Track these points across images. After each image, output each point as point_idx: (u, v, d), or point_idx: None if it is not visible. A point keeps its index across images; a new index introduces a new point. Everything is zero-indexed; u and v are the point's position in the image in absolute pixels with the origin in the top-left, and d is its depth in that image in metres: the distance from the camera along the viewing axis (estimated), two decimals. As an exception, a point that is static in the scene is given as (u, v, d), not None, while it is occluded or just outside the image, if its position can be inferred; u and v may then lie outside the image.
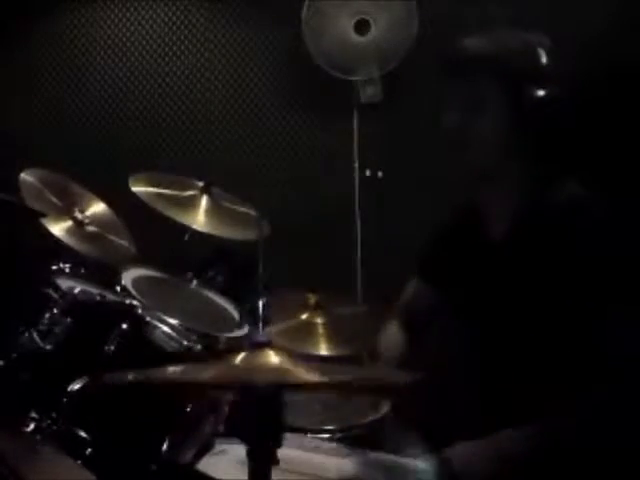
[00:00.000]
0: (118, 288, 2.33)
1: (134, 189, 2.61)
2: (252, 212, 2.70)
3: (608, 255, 1.60)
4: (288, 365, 1.25)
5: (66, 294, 2.13)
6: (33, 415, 1.89)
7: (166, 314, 2.14)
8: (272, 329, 2.33)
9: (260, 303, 1.54)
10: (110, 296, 2.25)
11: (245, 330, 2.39)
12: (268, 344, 1.29)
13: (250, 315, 2.40)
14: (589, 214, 1.64)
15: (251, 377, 1.22)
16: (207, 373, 1.28)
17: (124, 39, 3.62)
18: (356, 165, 3.42)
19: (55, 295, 2.11)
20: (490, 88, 1.66)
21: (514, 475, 1.60)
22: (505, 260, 1.71)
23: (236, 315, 2.52)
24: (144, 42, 3.62)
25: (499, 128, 1.67)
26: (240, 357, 1.28)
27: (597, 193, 1.67)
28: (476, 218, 1.80)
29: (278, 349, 1.29)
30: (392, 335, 2.04)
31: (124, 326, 2.03)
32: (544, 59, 1.66)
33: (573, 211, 1.64)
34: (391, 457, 1.70)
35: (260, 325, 1.63)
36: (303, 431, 1.93)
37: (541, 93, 1.64)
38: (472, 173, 1.74)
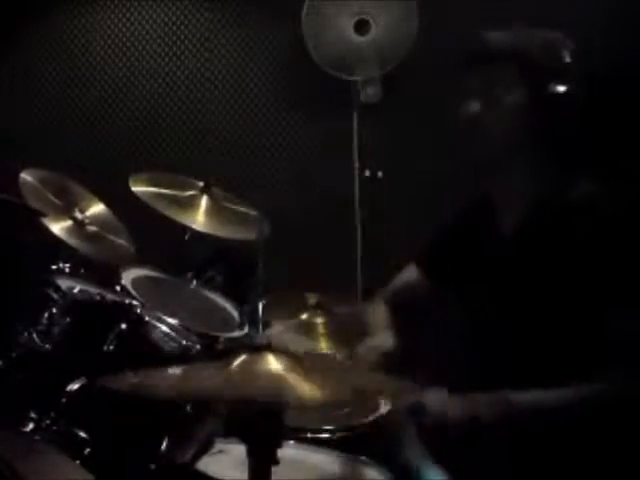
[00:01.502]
0: (118, 288, 2.33)
1: (134, 189, 2.60)
2: (252, 212, 2.70)
3: (619, 256, 1.60)
4: (287, 373, 1.24)
5: (65, 294, 2.12)
6: (32, 415, 1.89)
7: (165, 314, 2.14)
8: (271, 330, 2.32)
9: (260, 305, 1.54)
10: (109, 296, 2.24)
11: (245, 330, 2.38)
12: (267, 347, 1.29)
13: (249, 316, 2.39)
14: (602, 212, 1.64)
15: (249, 389, 1.21)
16: (203, 383, 1.26)
17: (124, 39, 3.62)
18: (356, 165, 3.41)
19: (54, 295, 2.11)
20: (510, 80, 1.68)
21: (485, 437, 1.60)
22: (514, 255, 1.72)
23: (236, 315, 2.52)
24: (144, 42, 3.62)
25: (515, 121, 1.68)
26: (238, 361, 1.28)
27: (611, 191, 1.67)
28: (487, 212, 1.80)
29: (277, 352, 1.29)
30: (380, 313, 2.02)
31: (123, 326, 2.03)
32: (564, 56, 1.68)
33: (586, 208, 1.65)
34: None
35: (260, 327, 1.63)
36: (303, 431, 1.92)
37: (560, 90, 1.65)
38: (485, 163, 1.74)
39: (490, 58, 1.72)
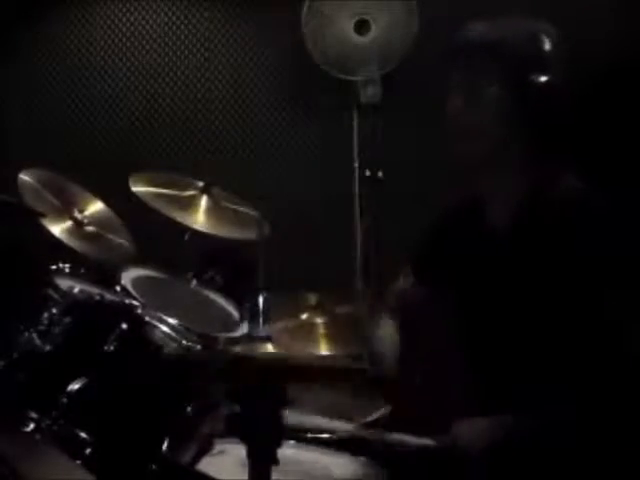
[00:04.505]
0: (117, 288, 2.33)
1: (134, 189, 2.60)
2: (252, 212, 2.70)
3: (607, 251, 1.60)
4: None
5: (65, 294, 2.12)
6: (32, 415, 1.89)
7: (165, 314, 2.14)
8: (272, 327, 2.32)
9: (260, 299, 1.54)
10: (109, 296, 2.24)
11: (244, 330, 2.38)
12: (268, 339, 1.30)
13: (249, 313, 2.39)
14: (588, 209, 1.63)
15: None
16: None
17: (124, 39, 3.62)
18: (356, 165, 3.41)
19: (54, 295, 2.11)
20: (490, 74, 1.66)
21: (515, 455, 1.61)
22: (503, 253, 1.71)
23: (236, 315, 2.52)
24: (144, 42, 3.61)
25: (498, 115, 1.66)
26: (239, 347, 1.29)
27: (596, 186, 1.66)
28: (474, 212, 1.79)
29: (278, 346, 1.29)
30: (388, 332, 2.02)
31: (123, 326, 2.03)
32: (546, 47, 1.65)
33: (572, 205, 1.64)
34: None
35: (260, 321, 1.63)
36: (303, 431, 1.92)
37: (541, 81, 1.63)
38: (472, 161, 1.73)
39: (470, 50, 1.70)
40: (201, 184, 2.73)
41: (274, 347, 1.30)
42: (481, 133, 1.68)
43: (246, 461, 1.26)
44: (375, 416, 2.25)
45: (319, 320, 2.48)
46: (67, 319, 2.04)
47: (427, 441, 1.69)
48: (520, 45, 1.66)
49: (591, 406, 1.59)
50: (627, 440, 1.60)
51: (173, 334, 2.09)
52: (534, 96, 1.64)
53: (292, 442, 1.83)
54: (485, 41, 1.68)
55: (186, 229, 2.62)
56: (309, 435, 1.92)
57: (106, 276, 2.41)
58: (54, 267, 2.37)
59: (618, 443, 1.60)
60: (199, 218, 2.65)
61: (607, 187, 1.66)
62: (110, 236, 2.74)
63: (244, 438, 1.26)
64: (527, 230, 1.68)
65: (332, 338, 2.43)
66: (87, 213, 2.73)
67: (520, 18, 1.74)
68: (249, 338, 1.32)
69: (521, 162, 1.70)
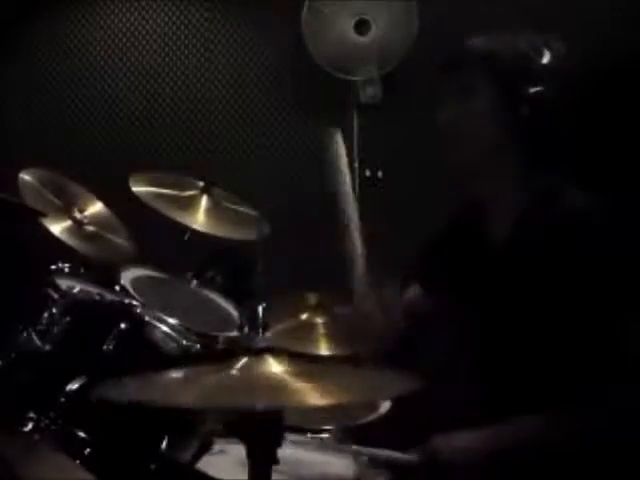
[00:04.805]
0: (117, 288, 2.33)
1: (134, 189, 2.60)
2: (252, 212, 2.70)
3: (608, 260, 1.59)
4: (288, 377, 1.24)
5: (65, 294, 2.12)
6: (32, 415, 1.88)
7: (165, 314, 2.14)
8: (272, 332, 2.32)
9: (260, 308, 1.54)
10: (109, 296, 2.24)
11: (245, 330, 2.38)
12: (268, 350, 1.29)
13: (248, 322, 2.39)
14: (588, 217, 1.63)
15: (250, 399, 1.20)
16: (201, 390, 1.24)
17: (124, 39, 3.62)
18: (356, 165, 3.41)
19: (54, 295, 2.11)
20: (484, 85, 1.66)
21: (507, 469, 1.60)
22: (503, 264, 1.70)
23: (235, 315, 2.51)
24: (144, 42, 3.62)
25: (491, 126, 1.67)
26: (239, 365, 1.27)
27: (596, 197, 1.66)
28: (477, 220, 1.79)
29: (278, 355, 1.28)
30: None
31: (123, 326, 2.02)
32: (543, 60, 1.65)
33: (572, 213, 1.63)
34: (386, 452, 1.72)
35: (260, 330, 1.63)
36: (303, 431, 1.92)
37: (536, 94, 1.63)
38: (464, 171, 1.73)
39: (464, 62, 1.70)
40: (201, 184, 2.73)
41: (274, 359, 1.29)
42: (474, 142, 1.68)
43: (246, 461, 1.25)
44: (374, 416, 2.25)
45: (319, 320, 2.48)
46: (67, 319, 2.04)
47: (411, 457, 1.67)
48: (513, 57, 1.66)
49: (594, 410, 1.59)
50: (628, 442, 1.60)
51: (173, 334, 2.08)
52: (528, 107, 1.63)
53: (292, 442, 1.83)
54: (478, 52, 1.69)
55: (186, 229, 2.61)
56: (309, 435, 1.92)
57: (106, 276, 2.41)
58: (54, 267, 2.37)
59: (619, 445, 1.60)
60: (199, 218, 2.65)
61: (608, 195, 1.65)
62: (110, 236, 2.74)
63: (244, 438, 1.26)
64: (528, 238, 1.67)
65: (332, 338, 2.43)
66: (87, 213, 2.73)
67: (515, 29, 1.74)
68: (249, 350, 1.31)
69: (516, 174, 1.69)
